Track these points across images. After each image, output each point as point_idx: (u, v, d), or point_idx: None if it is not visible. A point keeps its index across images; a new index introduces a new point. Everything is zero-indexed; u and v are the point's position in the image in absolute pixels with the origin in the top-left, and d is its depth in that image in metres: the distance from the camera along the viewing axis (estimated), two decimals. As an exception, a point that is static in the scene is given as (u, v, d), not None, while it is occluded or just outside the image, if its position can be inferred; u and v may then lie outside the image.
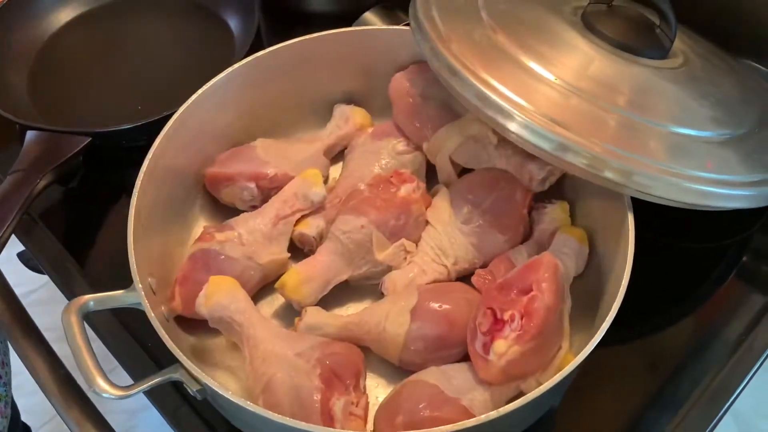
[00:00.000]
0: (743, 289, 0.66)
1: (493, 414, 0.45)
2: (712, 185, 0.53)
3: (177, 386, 0.50)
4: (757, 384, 0.61)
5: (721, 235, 0.69)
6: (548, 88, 0.55)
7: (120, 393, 0.48)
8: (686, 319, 0.64)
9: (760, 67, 0.71)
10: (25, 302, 0.59)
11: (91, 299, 0.52)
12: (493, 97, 0.54)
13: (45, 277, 0.69)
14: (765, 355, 0.61)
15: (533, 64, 0.56)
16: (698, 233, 0.69)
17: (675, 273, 0.67)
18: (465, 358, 0.55)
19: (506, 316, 0.52)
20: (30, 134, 0.69)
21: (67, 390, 0.56)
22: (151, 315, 0.50)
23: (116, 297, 0.53)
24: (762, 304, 0.64)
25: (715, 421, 0.57)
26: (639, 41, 0.60)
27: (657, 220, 0.57)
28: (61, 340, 0.50)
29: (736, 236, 0.69)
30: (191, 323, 0.60)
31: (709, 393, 0.58)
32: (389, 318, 0.56)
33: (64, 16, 0.87)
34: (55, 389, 0.56)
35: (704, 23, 0.67)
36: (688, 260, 0.68)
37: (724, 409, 0.58)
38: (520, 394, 0.54)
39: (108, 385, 0.48)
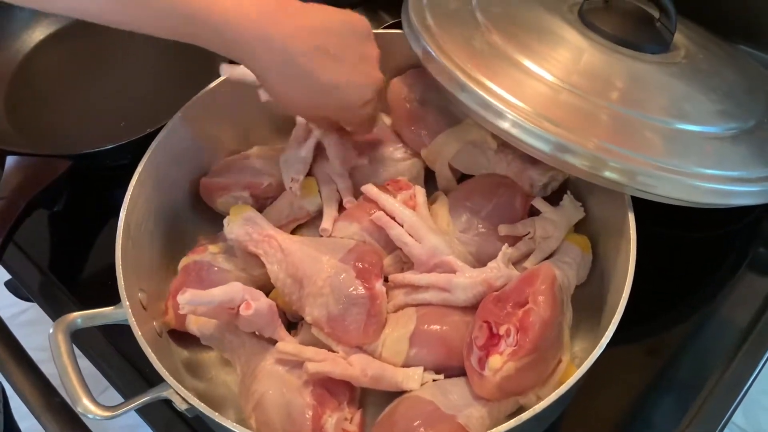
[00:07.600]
0: (752, 275, 0.64)
1: (487, 435, 0.44)
2: (723, 182, 0.51)
3: (169, 402, 0.49)
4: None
5: (727, 221, 0.67)
6: (547, 89, 0.54)
7: (106, 414, 0.47)
8: (695, 309, 0.63)
9: (755, 51, 0.68)
10: (14, 323, 0.57)
11: (78, 316, 0.51)
12: (491, 99, 0.53)
13: (34, 298, 0.68)
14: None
15: (532, 65, 0.55)
16: (703, 222, 0.66)
17: (680, 265, 0.65)
18: (464, 372, 0.53)
19: (502, 331, 0.50)
20: (10, 160, 0.66)
21: (63, 417, 0.52)
22: (138, 333, 0.49)
23: (104, 313, 0.52)
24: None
25: (729, 412, 0.55)
26: (639, 36, 0.58)
27: (659, 212, 0.55)
28: (51, 361, 0.49)
29: (742, 221, 0.67)
30: (186, 337, 0.59)
31: (723, 384, 0.57)
32: (386, 345, 0.54)
33: (38, 34, 0.85)
34: (50, 417, 0.52)
35: (696, 8, 0.64)
36: (693, 250, 0.66)
37: (738, 399, 0.56)
38: (520, 409, 0.52)
39: (93, 406, 0.47)
